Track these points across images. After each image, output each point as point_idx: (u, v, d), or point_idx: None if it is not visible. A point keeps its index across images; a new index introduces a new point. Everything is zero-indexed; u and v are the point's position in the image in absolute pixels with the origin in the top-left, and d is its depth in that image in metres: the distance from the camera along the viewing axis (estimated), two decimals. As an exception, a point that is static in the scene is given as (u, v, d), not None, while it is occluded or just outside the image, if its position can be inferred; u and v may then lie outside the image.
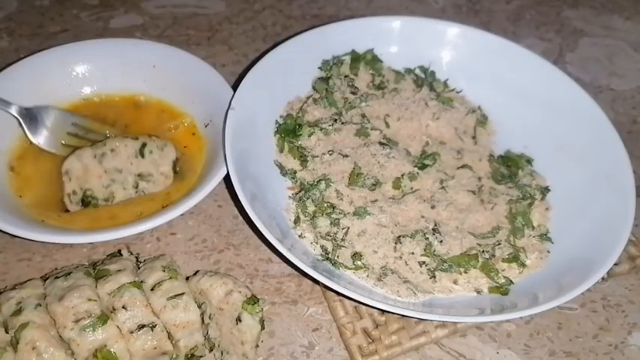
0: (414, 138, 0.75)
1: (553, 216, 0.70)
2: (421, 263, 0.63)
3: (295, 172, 0.70)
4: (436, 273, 0.63)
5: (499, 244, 0.66)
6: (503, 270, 0.64)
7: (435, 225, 0.66)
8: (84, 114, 0.76)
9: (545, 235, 0.68)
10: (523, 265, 0.64)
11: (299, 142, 0.72)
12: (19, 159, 0.71)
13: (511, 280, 0.63)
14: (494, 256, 0.65)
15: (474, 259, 0.63)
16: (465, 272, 0.63)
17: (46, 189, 0.69)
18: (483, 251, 0.65)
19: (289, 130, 0.72)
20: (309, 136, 0.72)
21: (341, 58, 0.79)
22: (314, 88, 0.78)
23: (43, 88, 0.75)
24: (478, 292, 0.62)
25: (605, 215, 0.65)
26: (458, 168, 0.72)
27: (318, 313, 0.63)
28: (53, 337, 0.52)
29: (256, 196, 0.63)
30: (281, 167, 0.70)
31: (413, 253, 0.64)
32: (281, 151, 0.71)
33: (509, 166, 0.73)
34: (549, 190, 0.72)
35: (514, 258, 0.64)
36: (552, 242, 0.67)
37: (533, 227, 0.68)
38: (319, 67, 0.79)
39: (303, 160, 0.70)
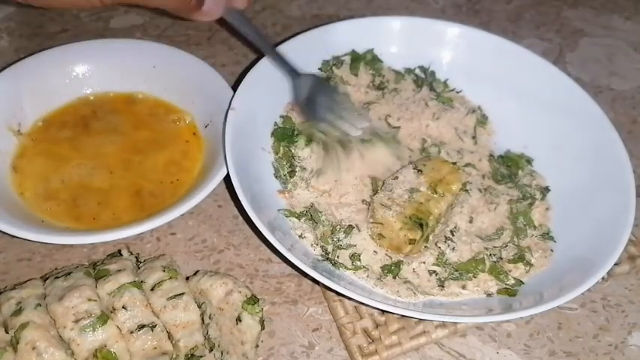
0: (414, 138, 0.75)
1: (553, 216, 0.70)
2: (431, 272, 0.63)
3: (287, 178, 0.69)
4: (445, 283, 0.62)
5: (505, 246, 0.65)
6: (510, 271, 0.64)
7: (455, 228, 0.66)
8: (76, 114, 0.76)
9: (548, 234, 0.68)
10: (529, 264, 0.64)
11: (293, 151, 0.71)
12: (20, 157, 0.71)
13: (521, 281, 0.63)
14: (501, 258, 0.65)
15: (481, 264, 0.63)
16: (474, 277, 0.63)
17: (46, 185, 0.69)
18: (490, 254, 0.64)
19: (286, 135, 0.72)
20: (305, 147, 0.71)
21: (341, 58, 0.79)
22: None
23: (43, 88, 0.75)
24: (488, 295, 0.62)
25: (605, 215, 0.65)
26: (464, 166, 0.72)
27: (318, 313, 0.63)
28: (53, 337, 0.52)
29: (256, 196, 0.63)
30: (276, 170, 0.70)
31: (424, 263, 0.63)
32: (276, 153, 0.71)
33: (510, 166, 0.73)
34: (549, 190, 0.72)
35: (519, 258, 0.64)
36: (555, 241, 0.67)
37: (535, 227, 0.68)
38: (319, 68, 0.79)
39: (292, 170, 0.70)
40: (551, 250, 0.66)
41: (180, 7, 0.56)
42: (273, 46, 0.70)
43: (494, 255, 0.64)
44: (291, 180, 0.69)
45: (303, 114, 0.71)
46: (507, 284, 0.63)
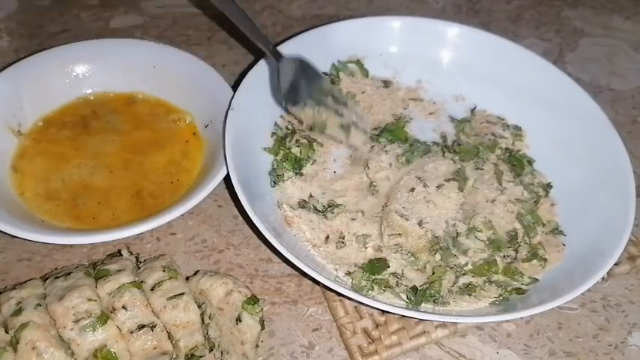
0: None
1: (560, 211, 0.70)
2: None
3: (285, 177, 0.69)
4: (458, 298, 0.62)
5: (518, 245, 0.65)
6: (525, 270, 0.63)
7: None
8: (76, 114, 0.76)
9: (557, 229, 0.68)
10: (544, 259, 0.64)
11: (293, 151, 0.71)
12: (20, 157, 0.71)
13: (536, 279, 0.63)
14: (515, 259, 0.64)
15: (494, 266, 0.63)
16: (489, 282, 0.63)
17: (46, 185, 0.69)
18: (504, 256, 0.64)
19: (287, 135, 0.72)
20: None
21: (347, 64, 0.79)
22: None
23: (43, 88, 0.75)
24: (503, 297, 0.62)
25: (605, 215, 0.65)
26: (475, 169, 0.71)
27: (318, 313, 0.63)
28: (53, 337, 0.52)
29: (256, 196, 0.63)
30: (272, 170, 0.70)
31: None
32: (276, 154, 0.71)
33: (515, 166, 0.73)
34: (551, 187, 0.72)
35: (533, 255, 0.64)
36: (565, 235, 0.67)
37: (543, 224, 0.68)
38: (325, 73, 0.78)
39: (299, 167, 0.70)
40: (563, 245, 0.66)
41: None
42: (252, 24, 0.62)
43: (509, 256, 0.64)
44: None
45: (286, 102, 0.62)
46: (524, 284, 0.62)
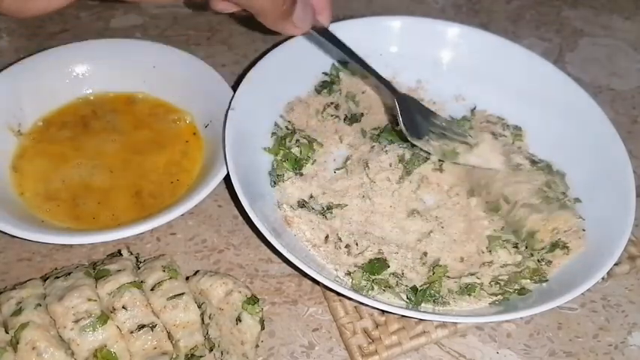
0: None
1: (574, 180, 0.70)
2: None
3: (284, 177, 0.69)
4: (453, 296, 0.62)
5: (543, 247, 0.65)
6: (550, 262, 0.63)
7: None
8: (76, 114, 0.76)
9: (577, 198, 0.68)
10: (566, 247, 0.64)
11: (293, 151, 0.71)
12: (20, 157, 0.71)
13: (545, 279, 0.63)
14: (543, 259, 0.64)
15: (524, 268, 0.63)
16: (492, 282, 0.63)
17: (46, 185, 0.69)
18: (537, 259, 0.64)
19: (287, 135, 0.72)
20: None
21: (347, 64, 0.79)
22: (317, 91, 0.78)
23: (43, 88, 0.75)
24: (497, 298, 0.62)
25: (605, 215, 0.65)
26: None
27: (318, 313, 0.63)
28: (53, 337, 0.52)
29: (256, 196, 0.63)
30: (272, 170, 0.70)
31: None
32: (276, 154, 0.71)
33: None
34: (551, 166, 0.72)
35: (554, 245, 0.64)
36: (581, 201, 0.68)
37: (564, 193, 0.68)
38: (324, 72, 0.78)
39: (299, 167, 0.70)
40: (583, 230, 0.65)
41: (269, 9, 0.49)
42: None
43: (537, 256, 0.64)
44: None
45: (411, 136, 0.66)
46: (542, 282, 0.62)
